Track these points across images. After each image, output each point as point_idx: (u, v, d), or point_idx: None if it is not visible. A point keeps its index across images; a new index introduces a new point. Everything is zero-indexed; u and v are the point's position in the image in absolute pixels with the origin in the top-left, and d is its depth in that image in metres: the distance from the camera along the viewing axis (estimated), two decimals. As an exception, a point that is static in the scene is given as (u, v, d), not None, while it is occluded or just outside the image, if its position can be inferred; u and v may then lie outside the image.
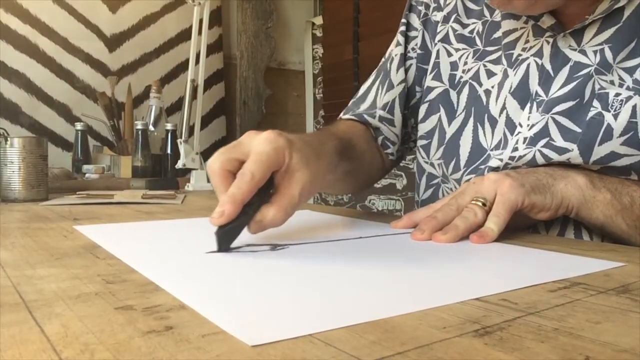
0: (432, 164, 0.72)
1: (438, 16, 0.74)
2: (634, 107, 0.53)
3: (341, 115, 0.80)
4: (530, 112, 0.60)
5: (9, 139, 0.90)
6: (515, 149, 0.60)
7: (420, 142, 0.75)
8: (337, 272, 0.37)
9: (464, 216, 0.50)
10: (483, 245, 0.47)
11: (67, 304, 0.28)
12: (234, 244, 0.44)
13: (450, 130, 0.69)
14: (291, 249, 0.44)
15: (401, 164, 1.83)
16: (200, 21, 1.38)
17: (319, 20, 2.25)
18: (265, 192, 0.45)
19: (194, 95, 1.36)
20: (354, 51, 2.04)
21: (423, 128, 0.73)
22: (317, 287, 0.33)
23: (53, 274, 0.36)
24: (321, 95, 2.24)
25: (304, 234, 0.52)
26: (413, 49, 0.76)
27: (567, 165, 0.56)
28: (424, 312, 0.27)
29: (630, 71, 0.54)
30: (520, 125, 0.60)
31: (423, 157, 0.74)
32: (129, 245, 0.49)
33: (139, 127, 1.36)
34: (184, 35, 1.93)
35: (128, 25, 1.86)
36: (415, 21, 0.76)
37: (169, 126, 1.43)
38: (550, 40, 0.60)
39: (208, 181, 1.33)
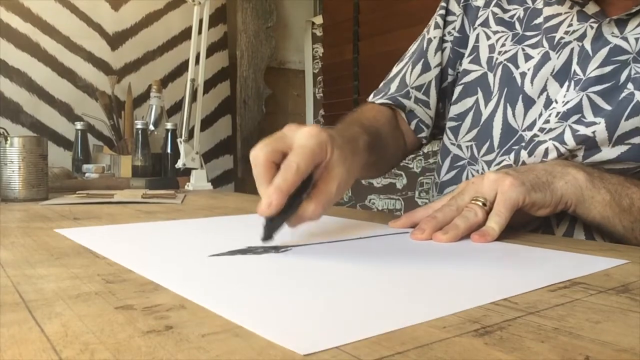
0: (459, 146, 0.73)
1: (479, 1, 0.75)
2: None
3: (372, 97, 0.79)
4: (567, 90, 0.61)
5: (9, 138, 0.90)
6: (546, 121, 0.61)
7: (449, 124, 0.75)
8: (345, 276, 0.36)
9: (464, 216, 0.50)
10: (483, 245, 0.47)
11: (67, 303, 0.28)
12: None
13: (485, 113, 0.70)
14: (294, 251, 0.44)
15: (401, 164, 1.83)
16: (201, 21, 1.37)
17: (319, 20, 2.24)
18: (306, 185, 0.46)
19: (194, 95, 1.35)
20: (354, 51, 2.04)
21: (454, 110, 0.74)
22: (327, 294, 0.32)
23: (53, 273, 0.36)
24: (321, 94, 2.24)
25: (305, 235, 0.52)
26: (450, 32, 0.77)
27: (568, 162, 0.56)
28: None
29: None
30: (556, 102, 0.62)
31: (450, 139, 0.74)
32: (126, 248, 0.49)
33: (139, 126, 1.36)
34: (188, 33, 1.92)
35: (131, 23, 1.85)
36: (455, 7, 0.77)
37: (169, 126, 1.43)
38: (595, 25, 0.61)
39: (208, 181, 1.33)
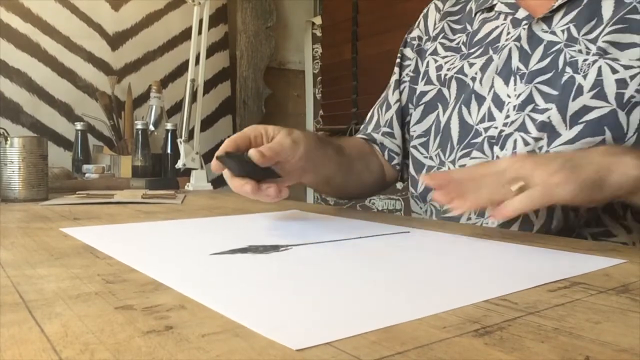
0: (430, 157, 0.78)
1: (428, 44, 0.86)
2: (599, 67, 0.62)
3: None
4: (515, 85, 0.69)
5: (9, 138, 0.90)
6: (507, 116, 0.68)
7: (417, 142, 0.81)
8: (344, 275, 0.37)
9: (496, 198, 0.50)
10: (483, 244, 0.47)
11: (67, 303, 0.28)
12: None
13: (444, 119, 0.77)
14: (295, 250, 0.45)
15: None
16: (201, 21, 1.37)
17: (319, 20, 2.24)
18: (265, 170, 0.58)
19: (194, 95, 1.35)
20: (353, 51, 2.04)
21: (420, 128, 0.81)
22: (325, 291, 0.33)
23: (53, 273, 0.36)
24: (321, 95, 2.24)
25: (306, 235, 0.53)
26: (407, 74, 0.87)
27: (620, 149, 0.55)
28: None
29: (594, 41, 0.64)
30: (509, 97, 0.69)
31: (422, 154, 0.80)
32: (130, 247, 0.49)
33: (139, 126, 1.36)
34: (188, 34, 1.91)
35: (131, 23, 1.85)
36: (409, 53, 0.88)
37: (169, 126, 1.43)
38: (526, 27, 0.70)
39: (208, 181, 1.33)
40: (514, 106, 0.68)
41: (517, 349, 0.22)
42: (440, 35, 0.84)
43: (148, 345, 0.22)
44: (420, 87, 0.83)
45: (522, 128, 0.66)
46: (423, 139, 0.80)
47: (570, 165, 0.50)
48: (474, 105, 0.73)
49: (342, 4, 2.09)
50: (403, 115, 0.87)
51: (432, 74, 0.82)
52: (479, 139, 0.70)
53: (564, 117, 0.62)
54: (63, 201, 0.88)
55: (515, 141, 0.66)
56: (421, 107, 0.82)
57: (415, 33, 0.89)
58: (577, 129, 0.62)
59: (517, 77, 0.69)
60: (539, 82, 0.66)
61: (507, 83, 0.70)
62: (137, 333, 0.24)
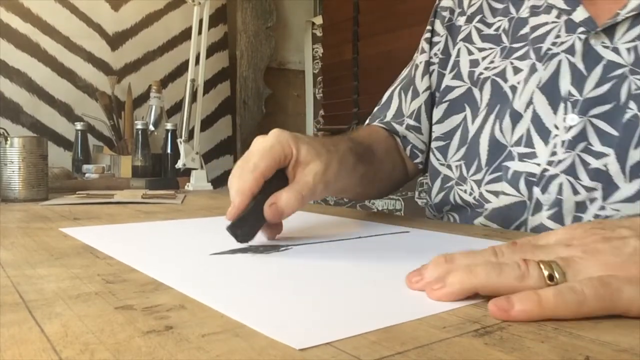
0: (448, 166, 0.69)
1: (461, 20, 0.73)
2: None
3: (368, 122, 0.79)
4: (565, 114, 0.57)
5: (9, 138, 0.89)
6: (553, 153, 0.57)
7: (435, 144, 0.72)
8: (344, 275, 0.37)
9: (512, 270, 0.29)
10: (483, 244, 0.47)
11: (67, 303, 0.28)
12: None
13: (472, 129, 0.67)
14: (295, 250, 0.45)
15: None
16: (201, 21, 1.37)
17: (319, 20, 2.24)
18: (279, 185, 0.46)
19: (194, 95, 1.35)
20: (354, 51, 2.04)
21: (440, 129, 0.72)
22: (326, 291, 0.33)
23: (53, 273, 0.36)
24: (321, 95, 2.24)
25: (307, 235, 0.53)
26: (435, 54, 0.75)
27: None
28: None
29: None
30: (557, 128, 0.58)
31: (439, 160, 0.71)
32: (131, 247, 0.49)
33: (139, 126, 1.36)
34: (188, 34, 1.91)
35: (131, 23, 1.85)
36: (439, 27, 0.75)
37: (169, 126, 1.43)
38: (583, 37, 0.58)
39: (208, 181, 1.33)
40: (563, 142, 0.57)
41: (517, 349, 0.22)
42: (477, 17, 0.71)
43: (148, 345, 0.22)
44: (447, 80, 0.72)
45: (571, 171, 0.55)
46: (442, 143, 0.71)
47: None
48: (507, 121, 0.62)
49: (342, 4, 2.08)
50: (432, 103, 0.74)
51: (464, 68, 0.70)
52: (511, 164, 0.60)
53: (623, 166, 0.52)
54: (63, 201, 0.88)
55: (561, 185, 0.56)
56: (445, 105, 0.71)
57: (445, 2, 0.75)
58: (638, 183, 0.51)
59: (569, 104, 0.57)
60: (594, 116, 0.55)
61: (554, 109, 0.58)
62: (137, 333, 0.24)
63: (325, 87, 2.20)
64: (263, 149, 0.46)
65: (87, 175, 1.31)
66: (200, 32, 1.37)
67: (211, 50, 1.93)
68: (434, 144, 0.73)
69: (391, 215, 0.78)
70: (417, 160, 0.75)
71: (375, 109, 0.81)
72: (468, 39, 0.71)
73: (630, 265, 0.28)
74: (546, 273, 0.28)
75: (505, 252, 0.32)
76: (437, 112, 0.72)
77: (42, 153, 0.92)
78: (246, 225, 0.45)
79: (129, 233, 0.56)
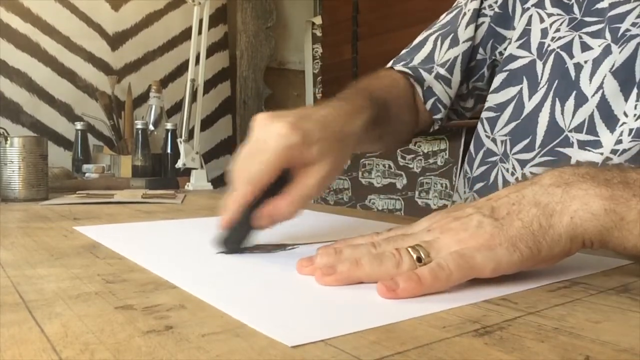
0: (494, 140, 0.65)
1: None
2: None
3: (392, 63, 0.72)
4: (637, 100, 0.52)
5: (9, 138, 0.89)
6: (619, 142, 0.52)
7: (486, 114, 0.67)
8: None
9: (379, 259, 0.34)
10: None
11: (67, 303, 0.28)
12: (248, 245, 0.44)
13: (529, 105, 0.61)
14: (302, 249, 0.45)
15: (401, 164, 1.83)
16: (201, 21, 1.37)
17: (319, 20, 2.24)
18: (279, 187, 0.43)
19: (194, 95, 1.35)
20: (353, 51, 2.04)
21: (494, 99, 0.66)
22: (328, 290, 0.33)
23: (53, 273, 0.36)
24: (321, 94, 2.24)
25: (311, 235, 0.53)
26: (490, 6, 0.67)
27: (569, 173, 0.36)
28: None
29: None
30: (626, 115, 0.53)
31: (486, 131, 0.66)
32: (126, 245, 0.49)
33: (139, 126, 1.36)
34: (188, 34, 1.91)
35: (131, 23, 1.85)
36: None
37: (169, 126, 1.43)
38: None
39: (208, 181, 1.33)
40: (631, 130, 0.52)
41: (517, 349, 0.22)
42: None
43: (148, 345, 0.22)
44: (513, 48, 0.65)
45: (636, 161, 0.50)
46: (493, 114, 0.65)
47: (490, 218, 0.34)
48: (569, 103, 0.57)
49: (342, 4, 2.08)
50: (470, 57, 0.68)
51: (534, 39, 0.63)
52: (569, 151, 0.55)
53: None
54: (63, 201, 0.88)
55: None
56: (504, 74, 0.65)
57: None
58: None
59: None
60: None
61: (626, 96, 0.53)
62: (137, 333, 0.24)
63: (325, 87, 2.20)
64: (270, 154, 0.41)
65: (87, 175, 1.31)
66: (200, 32, 1.37)
67: (211, 50, 1.93)
68: (484, 114, 0.67)
69: (391, 215, 0.78)
70: (438, 116, 0.68)
71: (404, 50, 0.73)
72: (540, 4, 0.64)
73: (477, 236, 0.34)
74: (415, 256, 0.34)
75: (382, 244, 0.37)
76: (496, 81, 0.66)
77: (42, 153, 0.92)
78: (236, 235, 0.43)
79: (128, 232, 0.55)
